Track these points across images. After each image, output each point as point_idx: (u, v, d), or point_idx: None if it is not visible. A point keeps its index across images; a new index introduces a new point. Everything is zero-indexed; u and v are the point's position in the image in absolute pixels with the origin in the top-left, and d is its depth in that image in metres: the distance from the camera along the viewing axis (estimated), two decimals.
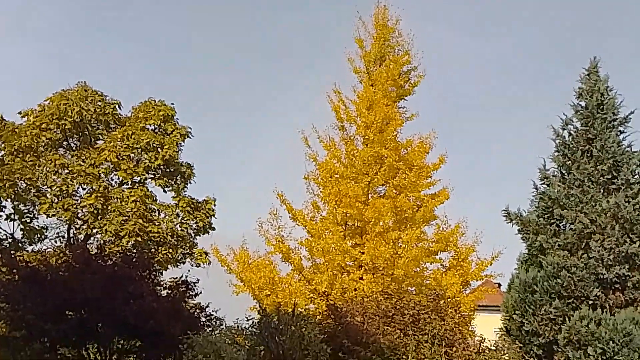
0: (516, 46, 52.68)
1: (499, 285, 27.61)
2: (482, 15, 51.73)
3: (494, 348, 15.50)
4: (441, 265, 22.53)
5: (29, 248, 24.14)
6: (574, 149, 15.79)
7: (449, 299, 17.80)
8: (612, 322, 12.83)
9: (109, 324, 14.63)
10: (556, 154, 16.11)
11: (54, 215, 23.33)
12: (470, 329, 17.39)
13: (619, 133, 15.76)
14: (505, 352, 15.19)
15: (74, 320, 14.73)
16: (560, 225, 15.40)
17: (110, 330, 14.85)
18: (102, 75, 49.70)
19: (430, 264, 22.45)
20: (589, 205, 14.81)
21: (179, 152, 24.69)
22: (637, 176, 15.31)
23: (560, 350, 13.48)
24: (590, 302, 13.97)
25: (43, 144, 23.92)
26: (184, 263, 24.08)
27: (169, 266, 23.45)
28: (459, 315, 16.92)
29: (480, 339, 16.01)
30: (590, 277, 14.15)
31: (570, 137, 16.06)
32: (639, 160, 15.44)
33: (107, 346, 15.49)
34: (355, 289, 20.18)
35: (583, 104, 16.13)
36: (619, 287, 14.30)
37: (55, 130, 24.02)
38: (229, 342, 14.70)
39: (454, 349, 15.22)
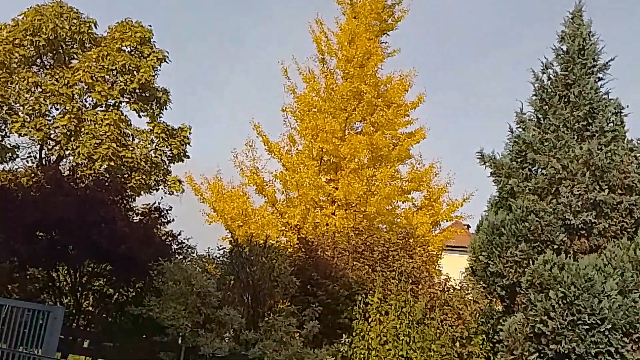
0: None
1: (468, 227, 28.06)
2: None
3: (458, 287, 15.87)
4: (413, 204, 22.82)
5: (0, 167, 23.85)
6: (552, 93, 15.75)
7: (418, 238, 18.10)
8: (575, 268, 13.07)
9: (80, 246, 14.60)
10: (534, 97, 16.07)
11: (25, 135, 22.95)
12: (437, 267, 17.75)
13: (597, 80, 15.70)
14: (470, 291, 15.56)
15: (45, 241, 14.68)
16: (533, 169, 15.50)
17: (80, 253, 14.83)
18: None
19: (403, 202, 22.73)
20: (562, 151, 14.89)
21: (155, 76, 24.23)
22: (611, 124, 15.37)
23: (522, 292, 13.75)
24: (556, 246, 14.19)
25: (16, 60, 23.29)
26: (157, 190, 24.00)
27: (142, 192, 23.34)
28: (427, 254, 17.23)
29: (446, 277, 16.37)
30: (558, 222, 14.33)
31: (549, 82, 15.99)
32: (615, 108, 15.46)
33: (77, 268, 15.53)
34: (327, 224, 20.40)
35: (564, 48, 15.99)
36: (584, 234, 14.52)
37: (28, 47, 23.37)
38: (200, 270, 14.82)
39: (420, 286, 15.55)
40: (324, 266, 15.79)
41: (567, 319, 12.55)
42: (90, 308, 16.28)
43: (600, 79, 15.86)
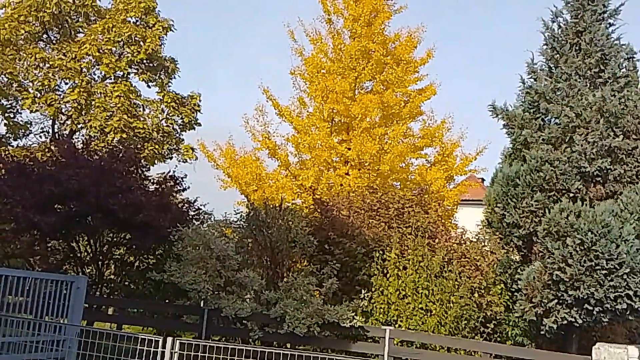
0: None
1: (483, 180, 28.06)
2: None
3: (475, 239, 15.94)
4: (426, 160, 22.80)
5: (14, 143, 24.04)
6: (563, 42, 15.59)
7: (433, 194, 18.14)
8: (592, 214, 13.07)
9: (98, 216, 14.76)
10: (545, 47, 15.92)
11: (37, 111, 23.09)
12: (453, 221, 17.81)
13: (608, 25, 15.52)
14: (486, 243, 15.64)
15: (63, 213, 14.84)
16: (546, 119, 15.42)
17: (99, 223, 15.00)
18: None
19: (416, 159, 22.72)
20: (575, 99, 14.79)
21: (162, 46, 24.22)
22: (624, 70, 15.22)
23: (539, 241, 13.80)
24: (571, 195, 14.19)
25: (22, 37, 23.32)
26: (170, 159, 24.17)
27: (156, 162, 23.52)
28: (443, 208, 17.29)
29: (462, 230, 16.43)
30: (573, 170, 14.31)
31: (560, 30, 15.82)
32: (627, 53, 15.30)
33: (97, 238, 15.72)
34: (341, 184, 20.44)
35: None
36: (600, 180, 14.50)
37: (34, 23, 23.38)
38: (218, 234, 14.96)
39: (437, 240, 15.63)
40: (340, 225, 15.88)
41: (585, 265, 12.62)
42: (112, 276, 16.51)
43: (611, 24, 15.67)
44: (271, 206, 15.94)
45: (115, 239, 15.95)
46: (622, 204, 13.55)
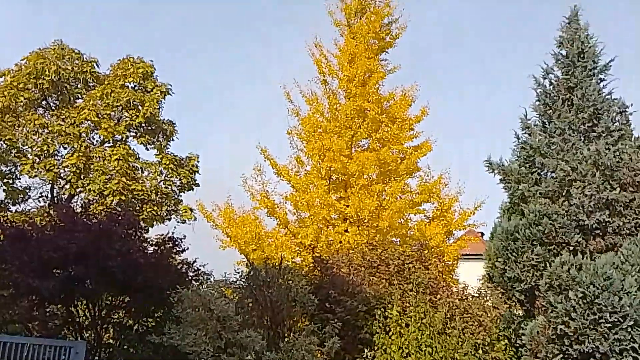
0: None
1: (482, 234, 28.02)
2: None
3: (477, 294, 15.86)
4: (425, 216, 22.84)
5: (13, 209, 24.07)
6: (555, 97, 15.87)
7: (433, 249, 18.12)
8: (593, 267, 13.07)
9: (97, 280, 14.66)
10: (537, 103, 16.19)
11: (36, 176, 23.22)
12: (454, 277, 17.75)
13: (599, 81, 15.84)
14: (488, 298, 15.55)
15: (62, 277, 14.75)
16: (542, 173, 15.57)
17: (98, 287, 14.89)
18: (79, 33, 48.76)
19: (414, 215, 22.76)
20: (570, 153, 14.97)
21: (160, 109, 24.58)
22: (617, 123, 15.46)
23: (541, 295, 13.74)
24: (571, 248, 14.21)
25: (22, 104, 23.66)
26: (169, 220, 24.19)
27: (155, 223, 23.52)
28: (443, 264, 17.25)
29: (464, 286, 16.37)
30: (571, 223, 14.37)
31: (551, 86, 16.13)
32: (619, 107, 15.56)
33: (96, 302, 15.59)
34: (340, 242, 20.42)
35: (564, 52, 16.15)
36: (599, 233, 14.55)
37: (33, 90, 23.75)
38: (218, 295, 14.85)
39: (438, 296, 15.55)
40: (340, 283, 15.81)
41: (588, 319, 12.52)
42: (111, 341, 16.27)
43: (602, 80, 15.98)
44: (271, 265, 15.89)
45: (114, 302, 15.82)
46: (622, 257, 13.54)
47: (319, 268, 16.98)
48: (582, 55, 15.94)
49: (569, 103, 15.69)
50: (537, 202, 14.79)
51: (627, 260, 13.48)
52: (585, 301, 12.71)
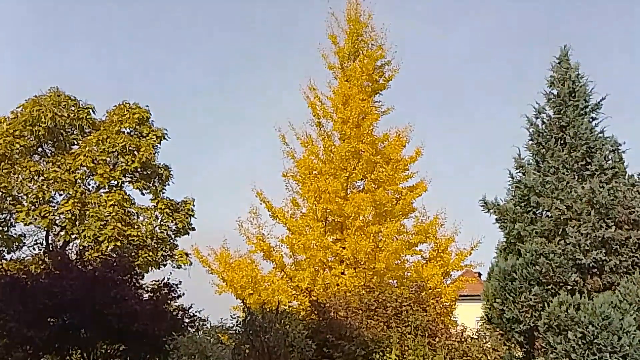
0: (488, 35, 53.03)
1: (479, 274, 27.88)
2: (450, 7, 52.01)
3: (476, 336, 15.70)
4: (421, 257, 22.72)
5: (7, 256, 23.92)
6: (548, 137, 16.00)
7: (430, 290, 18.00)
8: (591, 307, 13.04)
9: (92, 328, 14.56)
10: (530, 142, 16.32)
11: (31, 223, 23.14)
12: (452, 318, 17.60)
13: (591, 120, 15.99)
14: (487, 339, 15.39)
15: (57, 326, 14.64)
16: (537, 212, 15.61)
17: (93, 335, 14.78)
18: (74, 79, 49.19)
19: (411, 256, 22.63)
20: (564, 192, 15.03)
21: (156, 154, 24.61)
22: (610, 161, 15.56)
23: (540, 336, 13.67)
24: (569, 287, 14.18)
25: (17, 151, 23.69)
26: (165, 265, 24.03)
27: (150, 269, 23.37)
28: (441, 305, 17.10)
29: (462, 328, 16.21)
30: (568, 262, 14.36)
31: (544, 125, 16.27)
32: (612, 145, 15.69)
33: (91, 351, 15.42)
34: (337, 284, 20.27)
35: (555, 92, 16.35)
36: (596, 272, 14.53)
37: (29, 137, 23.80)
38: (214, 341, 14.72)
39: (437, 339, 15.39)
40: (338, 327, 15.65)
41: (588, 359, 12.42)
42: None
43: (593, 118, 16.15)
44: (268, 310, 15.76)
45: (109, 351, 15.65)
46: (620, 295, 13.51)
47: (316, 312, 16.83)
48: (573, 95, 16.13)
49: (562, 142, 15.82)
50: (533, 242, 14.80)
51: (625, 299, 13.45)
52: (584, 341, 12.64)
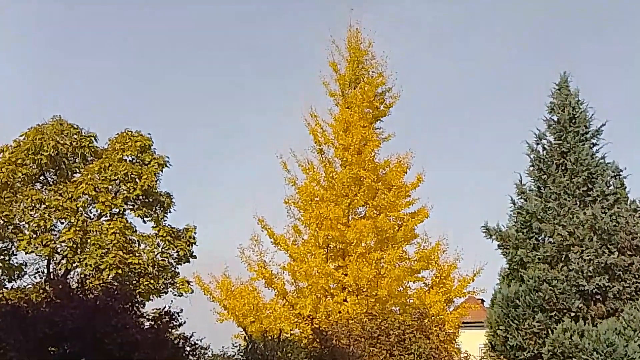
0: (487, 61, 53.43)
1: (482, 301, 27.73)
2: (449, 35, 52.49)
3: None
4: (424, 283, 22.67)
5: (8, 285, 23.80)
6: (549, 163, 16.01)
7: (433, 317, 17.91)
8: (595, 333, 12.95)
9: (93, 357, 14.40)
10: (531, 168, 16.32)
11: (32, 252, 23.03)
12: (455, 346, 17.50)
13: (592, 145, 16.01)
14: None
15: (57, 355, 14.50)
16: (539, 238, 15.56)
17: None
18: (77, 107, 49.48)
19: (413, 282, 22.59)
20: (566, 218, 15.00)
21: (157, 181, 24.58)
22: (612, 187, 15.55)
23: None
24: (573, 314, 14.09)
25: (19, 179, 23.68)
26: (166, 293, 23.87)
27: (152, 297, 23.23)
28: (444, 333, 17.02)
29: (466, 355, 16.12)
30: (571, 289, 14.29)
31: (545, 152, 16.29)
32: (613, 171, 15.69)
33: None
34: (339, 312, 20.19)
35: (555, 118, 16.39)
36: (600, 298, 14.44)
37: (31, 165, 23.80)
38: None
39: None
40: (340, 355, 15.55)
41: None
42: None
43: (594, 144, 16.17)
44: (269, 338, 15.67)
45: None
46: (624, 322, 13.41)
47: (318, 340, 16.74)
48: (573, 121, 16.16)
49: (563, 168, 15.82)
50: (536, 268, 14.74)
51: (629, 326, 13.35)
52: None
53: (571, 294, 14.25)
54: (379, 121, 24.37)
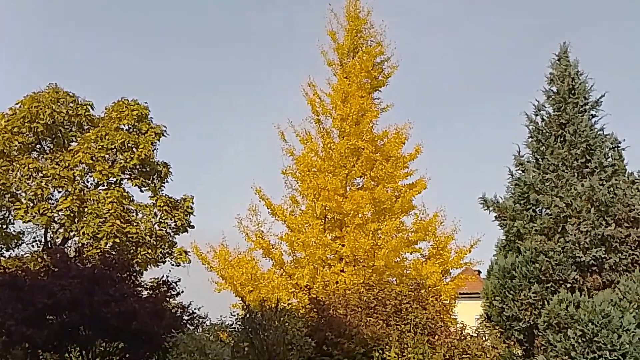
0: (487, 33, 53.01)
1: (479, 272, 27.88)
2: (450, 6, 52.00)
3: (475, 334, 15.68)
4: (421, 254, 22.71)
5: (6, 254, 23.88)
6: (547, 134, 15.94)
7: (429, 288, 17.96)
8: (591, 304, 13.01)
9: (91, 326, 14.53)
10: (530, 139, 16.26)
11: (29, 221, 23.09)
12: (451, 316, 17.57)
13: (591, 117, 15.93)
14: (487, 337, 15.37)
15: (55, 324, 14.61)
16: (537, 210, 15.56)
17: (92, 333, 14.75)
18: (73, 76, 49.15)
19: (410, 253, 22.61)
20: (564, 190, 14.98)
21: (155, 151, 24.55)
22: (610, 159, 15.51)
23: (540, 334, 13.63)
24: (569, 285, 14.14)
25: (16, 148, 23.64)
26: (164, 263, 23.99)
27: (149, 266, 23.34)
28: (440, 303, 17.08)
29: (462, 325, 16.19)
30: (568, 260, 14.32)
31: (543, 123, 16.21)
32: (612, 143, 15.63)
33: (90, 349, 15.39)
34: (336, 282, 20.25)
35: (554, 89, 16.27)
36: (596, 270, 14.49)
37: (27, 133, 23.75)
38: (213, 339, 14.69)
39: (436, 337, 15.37)
40: (337, 325, 15.63)
41: (588, 357, 12.42)
42: None
43: (593, 115, 16.08)
44: (267, 308, 15.71)
45: (108, 349, 15.62)
46: (620, 293, 13.48)
47: (315, 310, 16.80)
48: (572, 92, 16.06)
49: (562, 139, 15.76)
50: (532, 239, 14.76)
51: (624, 297, 13.42)
52: (584, 339, 12.61)
53: (567, 265, 14.29)
54: (377, 91, 24.16)
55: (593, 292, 13.78)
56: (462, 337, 15.61)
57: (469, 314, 16.62)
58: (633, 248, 14.34)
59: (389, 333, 15.12)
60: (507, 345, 14.95)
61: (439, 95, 54.30)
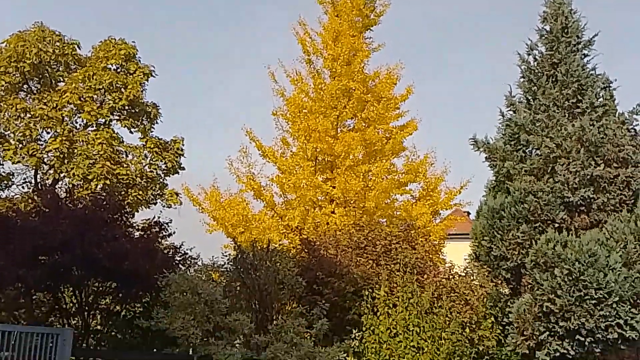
0: None
1: (468, 213, 28.12)
2: None
3: (463, 273, 15.92)
4: (411, 196, 22.85)
5: None
6: (539, 74, 15.86)
7: (419, 229, 18.14)
8: (578, 244, 13.17)
9: (83, 266, 14.55)
10: (522, 80, 16.19)
11: (19, 162, 22.91)
12: (440, 256, 17.80)
13: (583, 56, 15.84)
14: (475, 276, 15.62)
15: (48, 264, 14.63)
16: (527, 150, 15.61)
17: (84, 273, 14.78)
18: (59, 14, 48.14)
19: (401, 195, 22.75)
20: (554, 130, 14.99)
21: (143, 91, 24.22)
22: (601, 99, 15.49)
23: (527, 273, 13.84)
24: (557, 225, 14.30)
25: (2, 88, 23.27)
26: (155, 204, 23.96)
27: (140, 208, 23.33)
28: (430, 244, 17.27)
29: (451, 265, 16.42)
30: (556, 200, 14.44)
31: (536, 63, 16.11)
32: (603, 83, 15.59)
33: (83, 289, 15.50)
34: (327, 223, 20.40)
35: (548, 28, 16.13)
36: (584, 210, 14.64)
37: (14, 73, 23.33)
38: (205, 279, 14.82)
39: (425, 276, 15.60)
40: (328, 264, 15.81)
41: (574, 295, 12.64)
42: (98, 327, 16.22)
43: (585, 55, 16.00)
44: (258, 248, 15.83)
45: (100, 289, 15.73)
46: (607, 233, 13.65)
47: (306, 250, 16.96)
48: (565, 31, 15.92)
49: (553, 79, 15.69)
50: (522, 180, 14.84)
51: (611, 237, 13.60)
52: (570, 278, 12.81)
53: (556, 205, 14.41)
54: (369, 30, 23.84)
55: (580, 231, 13.95)
56: (451, 276, 15.85)
57: (458, 254, 16.83)
58: (621, 188, 14.46)
59: (379, 272, 15.32)
60: (494, 284, 15.21)
61: (431, 36, 53.66)
